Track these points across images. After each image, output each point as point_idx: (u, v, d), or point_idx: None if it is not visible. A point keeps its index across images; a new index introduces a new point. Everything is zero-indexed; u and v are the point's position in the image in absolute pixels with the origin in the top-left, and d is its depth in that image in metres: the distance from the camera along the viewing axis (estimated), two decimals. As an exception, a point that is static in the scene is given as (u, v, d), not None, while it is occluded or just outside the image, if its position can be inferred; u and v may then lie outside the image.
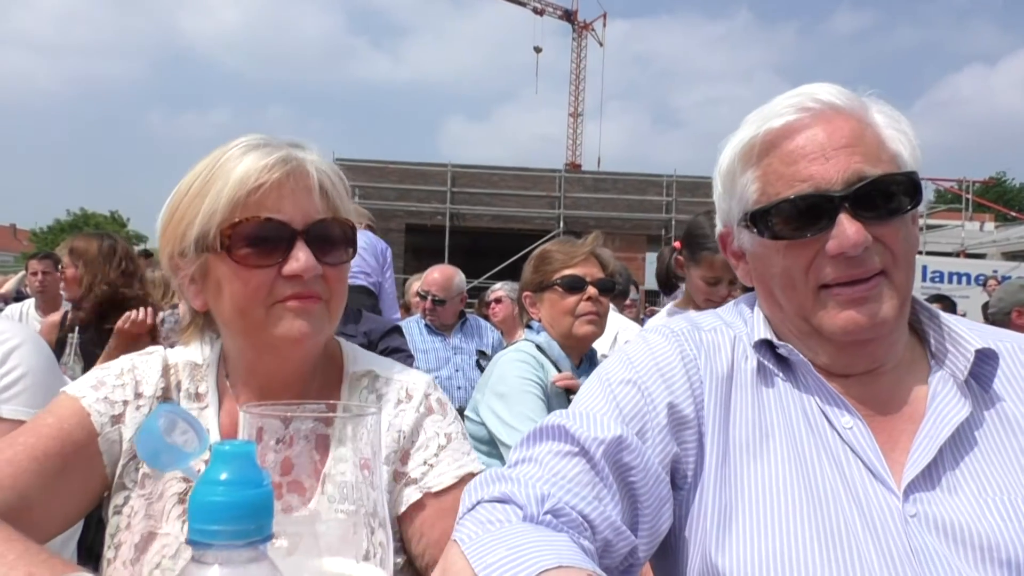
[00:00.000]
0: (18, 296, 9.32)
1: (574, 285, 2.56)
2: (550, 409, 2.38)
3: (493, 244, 26.20)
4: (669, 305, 3.43)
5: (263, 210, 1.14)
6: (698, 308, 3.15)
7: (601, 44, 53.18)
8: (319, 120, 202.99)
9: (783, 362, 1.20)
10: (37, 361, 1.48)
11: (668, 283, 3.23)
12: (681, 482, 1.14)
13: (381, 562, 0.70)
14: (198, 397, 1.26)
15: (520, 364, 2.44)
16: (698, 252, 2.92)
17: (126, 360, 1.26)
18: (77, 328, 3.49)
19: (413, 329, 4.95)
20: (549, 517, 0.98)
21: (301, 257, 1.14)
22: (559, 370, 2.51)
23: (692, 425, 1.14)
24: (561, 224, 26.21)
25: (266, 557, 0.51)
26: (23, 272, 10.82)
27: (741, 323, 1.27)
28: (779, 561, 1.04)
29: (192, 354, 1.31)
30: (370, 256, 4.99)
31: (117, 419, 1.19)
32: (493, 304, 6.43)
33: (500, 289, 6.48)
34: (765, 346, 1.20)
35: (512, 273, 5.76)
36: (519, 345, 2.57)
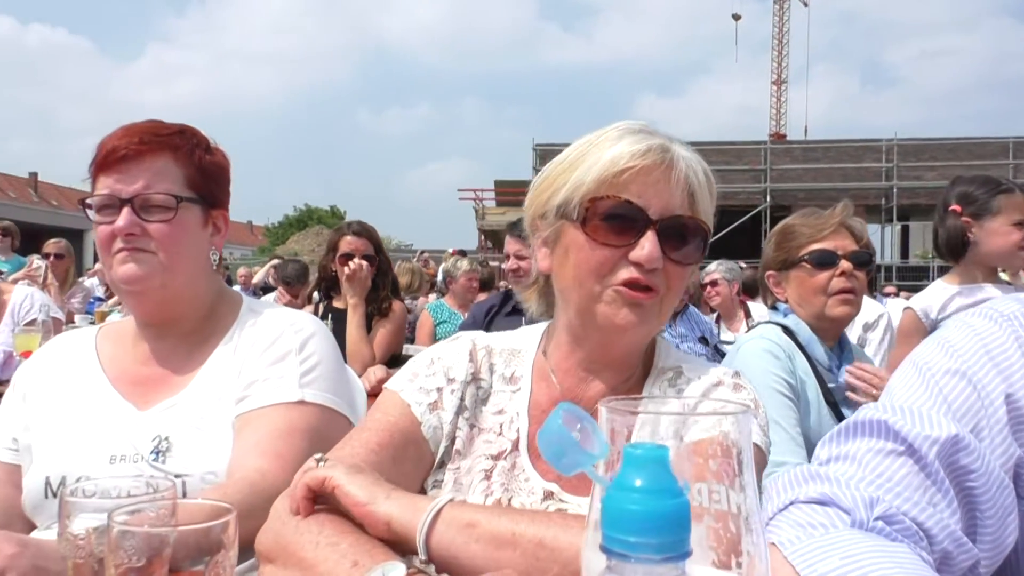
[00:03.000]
0: (265, 288, 10.36)
1: (825, 260, 2.32)
2: (798, 404, 2.20)
3: (695, 222, 25.39)
4: (939, 282, 3.11)
5: (626, 192, 1.17)
6: (989, 278, 2.86)
7: (806, 4, 49.97)
8: (514, 107, 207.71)
9: None
10: (328, 349, 1.58)
11: (962, 247, 2.92)
12: None
13: (747, 570, 0.64)
14: (512, 380, 1.30)
15: (766, 356, 2.25)
16: (992, 200, 2.76)
17: (433, 350, 1.33)
18: (330, 316, 3.79)
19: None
20: (880, 524, 0.88)
21: (647, 246, 1.15)
22: (808, 356, 2.32)
23: None
24: (768, 198, 25.01)
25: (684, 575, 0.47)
26: (268, 265, 12.05)
27: None
28: None
29: (513, 341, 1.35)
30: None
31: (434, 406, 1.25)
32: (709, 287, 6.15)
33: (715, 271, 6.15)
34: None
35: (719, 252, 5.47)
36: (764, 331, 2.37)
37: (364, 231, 3.85)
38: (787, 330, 2.35)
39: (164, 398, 1.49)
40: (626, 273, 1.17)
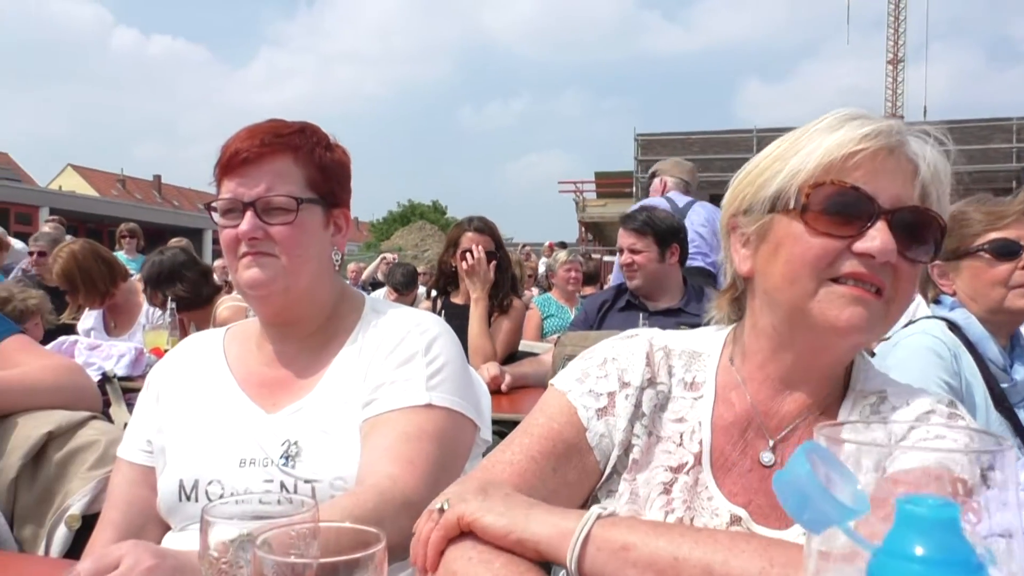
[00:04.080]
0: (374, 283, 10.58)
1: (1007, 250, 2.09)
2: (969, 410, 1.98)
3: (805, 210, 24.50)
4: None
5: (851, 179, 1.05)
6: None
7: (924, -23, 47.26)
8: (614, 98, 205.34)
9: None
10: (454, 351, 1.52)
11: None
12: None
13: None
14: (692, 386, 1.19)
15: (928, 354, 2.04)
16: None
17: (607, 348, 1.23)
18: (443, 313, 3.78)
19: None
20: None
21: (878, 237, 1.02)
22: (976, 354, 2.10)
23: None
24: (884, 184, 23.73)
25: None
26: (377, 260, 12.31)
27: None
28: None
29: (692, 342, 1.24)
30: (708, 233, 4.69)
31: (602, 412, 1.16)
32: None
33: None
34: None
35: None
36: (927, 326, 2.15)
37: (485, 227, 3.81)
38: (952, 326, 2.14)
39: (291, 401, 1.46)
40: (850, 266, 1.03)
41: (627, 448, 1.14)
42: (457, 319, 3.51)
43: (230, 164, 1.44)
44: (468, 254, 3.61)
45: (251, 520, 0.91)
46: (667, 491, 1.11)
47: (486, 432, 1.59)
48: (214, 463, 1.41)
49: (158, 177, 54.64)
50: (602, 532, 0.91)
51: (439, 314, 3.72)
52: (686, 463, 1.12)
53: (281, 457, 1.38)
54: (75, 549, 1.62)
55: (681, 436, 1.14)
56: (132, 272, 4.95)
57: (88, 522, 1.61)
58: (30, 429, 1.74)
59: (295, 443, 1.40)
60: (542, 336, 5.88)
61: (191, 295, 4.02)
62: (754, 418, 1.13)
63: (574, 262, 6.44)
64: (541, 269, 12.90)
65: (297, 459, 1.38)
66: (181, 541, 1.40)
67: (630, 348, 1.21)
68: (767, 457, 1.11)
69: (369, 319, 1.55)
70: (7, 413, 1.75)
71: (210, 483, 1.40)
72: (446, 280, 4.02)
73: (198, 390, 1.53)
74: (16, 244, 8.11)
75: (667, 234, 3.54)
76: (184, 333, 3.76)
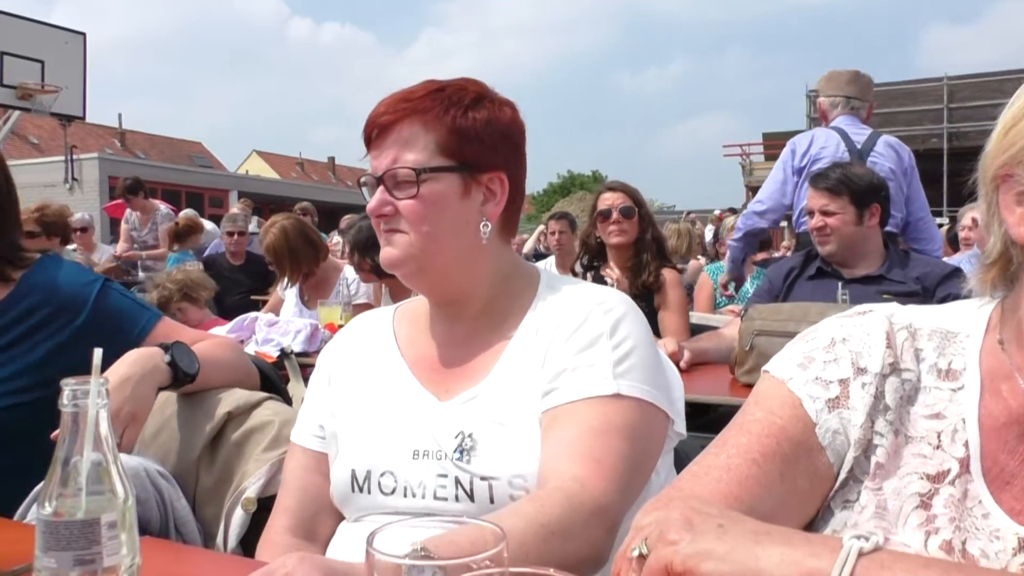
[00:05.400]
0: (537, 255, 10.53)
1: None
2: None
3: (1007, 164, 22.02)
4: None
5: None
6: None
7: None
8: (782, 52, 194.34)
9: None
10: (642, 332, 1.35)
11: None
12: None
13: None
14: (948, 374, 0.96)
15: None
16: None
17: (835, 327, 1.02)
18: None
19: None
20: None
21: None
22: None
23: None
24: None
25: None
26: (537, 231, 12.26)
27: None
28: None
29: (944, 319, 1.01)
30: (895, 188, 4.09)
31: (834, 403, 0.96)
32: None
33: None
34: None
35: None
36: None
37: (618, 185, 3.84)
38: None
39: (464, 388, 1.34)
40: None
41: (867, 449, 0.94)
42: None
43: (367, 137, 1.36)
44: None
45: (424, 526, 0.79)
46: (925, 505, 0.90)
47: (680, 424, 1.39)
48: (387, 454, 1.32)
49: (332, 159, 57.78)
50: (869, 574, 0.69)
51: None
52: (948, 470, 0.90)
53: (455, 450, 1.26)
54: (253, 532, 1.60)
55: (939, 436, 0.92)
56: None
57: (264, 504, 1.58)
58: (211, 408, 1.73)
59: (469, 435, 1.27)
60: (715, 307, 5.57)
61: None
62: None
63: (741, 228, 6.03)
64: (708, 236, 12.38)
65: (472, 453, 1.25)
66: (356, 532, 1.32)
67: (864, 327, 0.99)
68: None
69: (545, 296, 1.39)
70: (205, 389, 1.75)
71: (383, 475, 1.30)
72: (592, 255, 3.89)
73: (369, 374, 1.44)
74: (208, 226, 8.73)
75: (866, 193, 3.14)
76: (374, 305, 3.82)
